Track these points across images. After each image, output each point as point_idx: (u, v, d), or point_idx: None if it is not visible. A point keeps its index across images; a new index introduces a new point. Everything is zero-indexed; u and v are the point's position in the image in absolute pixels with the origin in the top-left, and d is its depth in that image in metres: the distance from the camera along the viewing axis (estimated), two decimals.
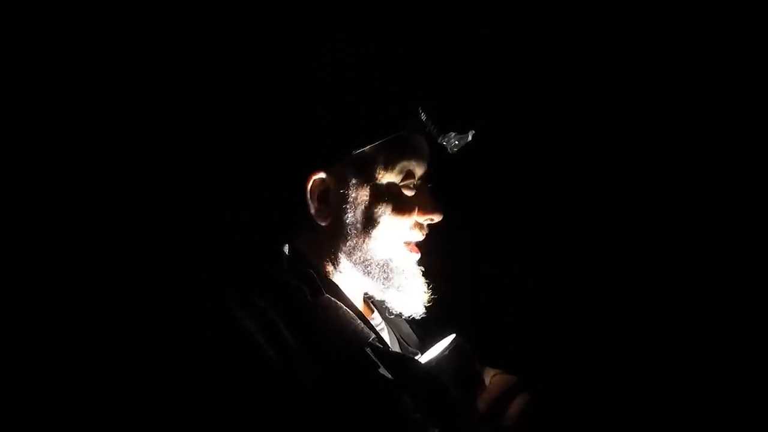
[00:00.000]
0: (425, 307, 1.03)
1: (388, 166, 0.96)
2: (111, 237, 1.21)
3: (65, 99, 1.23)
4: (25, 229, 1.17)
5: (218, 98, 1.28)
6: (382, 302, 1.04)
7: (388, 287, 1.00)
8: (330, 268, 1.00)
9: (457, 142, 0.99)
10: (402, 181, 0.98)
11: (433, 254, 1.06)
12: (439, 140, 0.99)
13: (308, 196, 0.95)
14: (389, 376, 0.88)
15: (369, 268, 0.98)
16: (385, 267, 0.99)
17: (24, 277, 1.14)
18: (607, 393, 1.53)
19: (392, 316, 1.10)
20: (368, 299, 1.11)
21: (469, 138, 1.00)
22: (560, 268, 1.62)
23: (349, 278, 1.01)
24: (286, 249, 1.00)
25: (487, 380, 0.91)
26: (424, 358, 0.93)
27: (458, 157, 1.01)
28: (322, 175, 0.96)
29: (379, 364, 0.88)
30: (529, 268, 1.61)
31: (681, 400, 1.52)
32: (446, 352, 0.89)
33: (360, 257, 0.98)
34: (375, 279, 0.99)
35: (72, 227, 1.19)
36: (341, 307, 0.93)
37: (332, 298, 0.94)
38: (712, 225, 1.58)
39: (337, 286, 0.99)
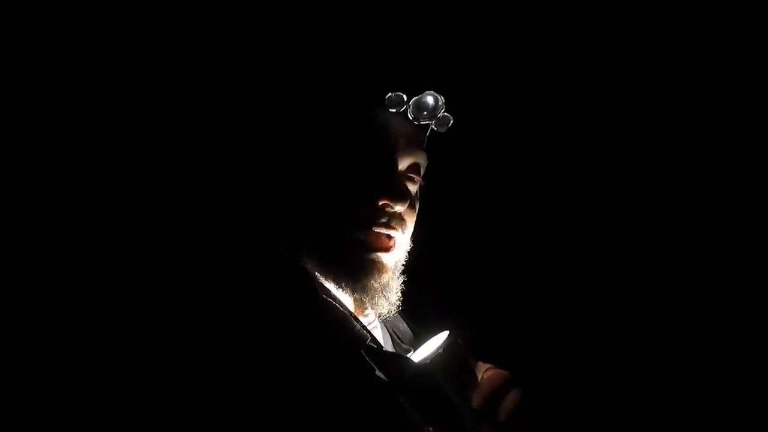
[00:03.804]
0: (398, 306, 1.02)
1: (368, 138, 0.97)
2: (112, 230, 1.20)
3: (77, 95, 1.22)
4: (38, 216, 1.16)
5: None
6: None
7: (357, 283, 0.97)
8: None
9: (437, 121, 1.00)
10: (376, 158, 0.97)
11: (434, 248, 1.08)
12: (414, 117, 0.99)
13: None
14: (384, 378, 0.88)
15: (330, 256, 0.97)
16: (350, 253, 0.96)
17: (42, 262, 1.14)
18: (600, 388, 1.55)
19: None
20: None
21: (448, 118, 1.01)
22: (553, 264, 1.63)
23: None
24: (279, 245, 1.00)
25: (479, 375, 0.92)
26: (418, 356, 0.93)
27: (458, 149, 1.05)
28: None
29: (375, 367, 0.89)
30: (523, 263, 1.62)
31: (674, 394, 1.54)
32: (441, 350, 0.90)
33: (323, 237, 0.97)
34: (341, 272, 0.97)
35: (76, 213, 1.19)
36: (337, 309, 0.92)
37: (327, 298, 0.93)
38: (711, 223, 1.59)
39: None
